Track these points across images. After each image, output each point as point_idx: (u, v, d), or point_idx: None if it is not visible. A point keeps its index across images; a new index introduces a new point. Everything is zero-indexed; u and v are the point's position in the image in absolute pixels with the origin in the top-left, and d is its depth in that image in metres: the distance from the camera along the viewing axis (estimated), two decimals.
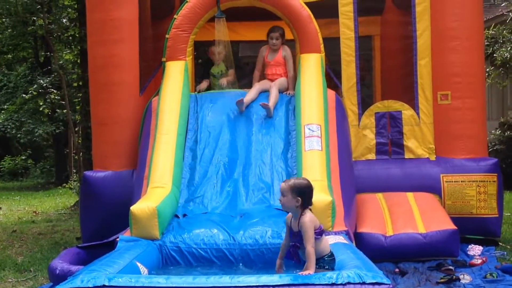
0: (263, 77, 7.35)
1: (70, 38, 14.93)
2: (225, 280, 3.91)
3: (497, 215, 7.20)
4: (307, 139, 6.21)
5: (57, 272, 5.20)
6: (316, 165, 6.00)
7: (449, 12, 7.40)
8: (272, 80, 7.18)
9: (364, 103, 7.56)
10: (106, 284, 3.87)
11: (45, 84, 16.75)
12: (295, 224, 4.33)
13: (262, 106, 6.77)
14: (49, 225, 10.27)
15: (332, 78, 7.56)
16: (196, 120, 6.87)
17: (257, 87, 7.09)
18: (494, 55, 11.06)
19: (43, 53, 19.59)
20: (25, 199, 15.24)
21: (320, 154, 6.11)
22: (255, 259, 5.32)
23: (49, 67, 18.27)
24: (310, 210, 4.34)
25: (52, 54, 14.40)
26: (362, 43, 7.64)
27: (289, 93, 7.05)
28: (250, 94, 6.97)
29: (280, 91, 7.07)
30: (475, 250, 6.69)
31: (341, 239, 5.16)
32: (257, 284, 3.83)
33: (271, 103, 6.83)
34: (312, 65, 6.89)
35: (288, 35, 7.38)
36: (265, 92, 7.05)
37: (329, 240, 5.06)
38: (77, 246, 5.98)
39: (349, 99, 7.47)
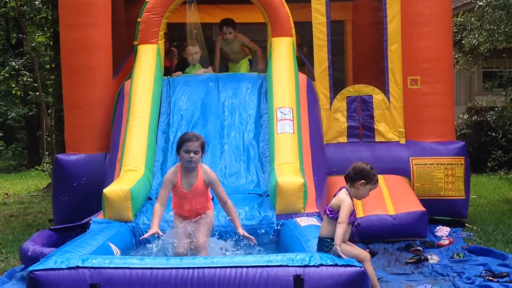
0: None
1: (43, 20, 14.71)
2: (199, 261, 3.92)
3: (464, 197, 7.36)
4: (279, 122, 6.27)
5: (29, 254, 5.22)
6: (288, 148, 6.07)
7: None
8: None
9: (336, 87, 7.64)
10: (80, 265, 3.85)
11: (17, 66, 16.52)
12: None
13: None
14: (21, 207, 10.22)
15: (304, 61, 7.63)
16: (168, 103, 6.88)
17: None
18: (463, 41, 11.21)
19: (15, 35, 19.28)
20: None
21: (292, 137, 6.18)
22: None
23: (21, 49, 17.99)
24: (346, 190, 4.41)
25: (24, 36, 14.18)
26: (334, 28, 7.70)
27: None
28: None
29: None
30: (442, 231, 6.83)
31: (313, 221, 5.21)
32: (232, 265, 3.83)
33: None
34: (283, 49, 6.94)
35: (260, 19, 7.42)
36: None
37: (302, 222, 5.16)
38: (50, 229, 5.97)
39: (321, 83, 7.54)
